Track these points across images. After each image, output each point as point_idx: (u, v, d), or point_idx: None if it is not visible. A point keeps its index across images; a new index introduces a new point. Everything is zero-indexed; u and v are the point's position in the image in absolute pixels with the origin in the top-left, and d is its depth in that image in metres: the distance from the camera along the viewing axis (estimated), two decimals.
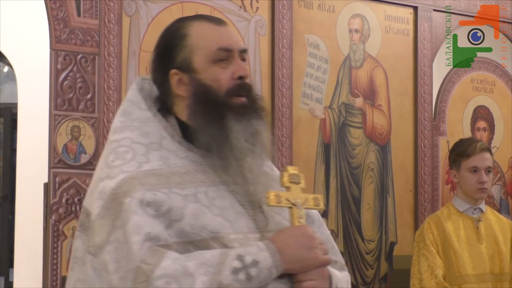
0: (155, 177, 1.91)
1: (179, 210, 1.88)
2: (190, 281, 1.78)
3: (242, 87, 2.01)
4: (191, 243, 1.87)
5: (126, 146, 1.98)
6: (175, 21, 2.12)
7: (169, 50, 2.04)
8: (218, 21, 2.08)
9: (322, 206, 2.05)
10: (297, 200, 1.97)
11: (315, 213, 2.14)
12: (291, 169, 2.02)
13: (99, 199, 1.92)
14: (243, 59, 2.05)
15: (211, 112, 1.97)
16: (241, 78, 2.01)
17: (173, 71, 2.02)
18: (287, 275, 1.90)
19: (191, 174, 1.96)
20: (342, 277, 2.06)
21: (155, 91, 2.09)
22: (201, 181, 1.96)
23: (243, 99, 2.00)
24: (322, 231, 2.13)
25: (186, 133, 2.02)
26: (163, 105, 2.07)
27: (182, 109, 2.03)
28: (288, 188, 1.98)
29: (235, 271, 1.81)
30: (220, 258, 1.83)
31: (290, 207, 1.96)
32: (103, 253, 1.87)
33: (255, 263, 1.84)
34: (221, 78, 1.99)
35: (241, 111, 1.98)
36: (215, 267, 1.81)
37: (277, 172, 2.12)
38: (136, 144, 1.98)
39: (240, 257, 1.83)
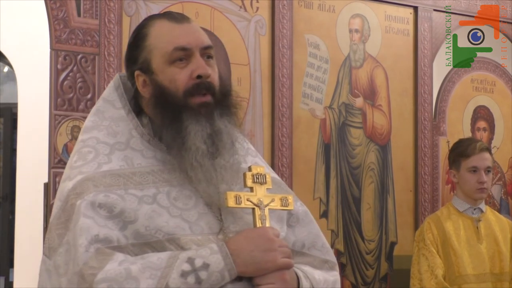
0: (112, 177, 1.88)
1: (133, 211, 1.84)
2: (134, 284, 1.74)
3: (201, 86, 1.92)
4: (147, 244, 1.83)
5: (90, 147, 1.95)
6: (143, 20, 2.08)
7: (133, 50, 2.00)
8: (179, 19, 1.99)
9: (291, 206, 1.97)
10: (260, 200, 1.91)
11: (302, 211, 2.08)
12: (255, 169, 1.95)
13: (58, 200, 1.91)
14: (209, 57, 1.98)
15: (169, 114, 1.92)
16: (199, 77, 1.93)
17: (137, 72, 1.98)
18: (246, 278, 1.84)
19: (155, 174, 1.92)
20: (324, 279, 2.00)
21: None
22: (165, 181, 1.91)
23: (207, 98, 1.93)
24: (310, 230, 2.07)
25: (159, 133, 1.97)
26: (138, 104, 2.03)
27: (148, 110, 2.00)
28: (251, 189, 1.92)
29: (184, 274, 1.77)
30: (169, 261, 1.78)
31: (253, 208, 1.90)
32: (56, 255, 1.85)
33: (205, 266, 1.78)
34: (178, 78, 1.92)
35: (201, 111, 1.92)
36: (162, 270, 1.77)
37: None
38: (101, 144, 1.94)
39: (190, 260, 1.79)
